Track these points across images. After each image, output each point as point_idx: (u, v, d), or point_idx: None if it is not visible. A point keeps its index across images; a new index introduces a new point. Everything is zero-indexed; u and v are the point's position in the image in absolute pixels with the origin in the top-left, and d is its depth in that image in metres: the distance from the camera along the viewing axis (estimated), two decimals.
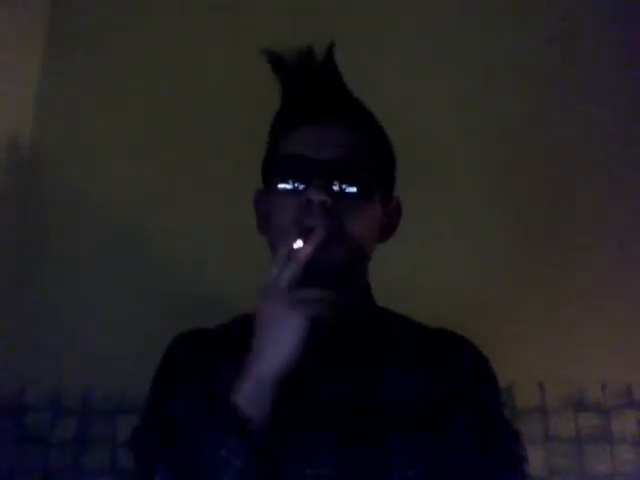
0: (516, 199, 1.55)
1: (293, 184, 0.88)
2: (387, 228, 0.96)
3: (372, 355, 0.89)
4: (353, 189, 0.87)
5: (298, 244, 0.82)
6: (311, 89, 0.94)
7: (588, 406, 1.43)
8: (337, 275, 0.86)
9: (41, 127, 1.74)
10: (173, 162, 1.66)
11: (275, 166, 0.92)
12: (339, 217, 0.86)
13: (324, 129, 0.91)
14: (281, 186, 0.89)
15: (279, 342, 0.80)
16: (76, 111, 1.74)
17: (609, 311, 1.45)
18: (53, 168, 1.71)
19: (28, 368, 1.55)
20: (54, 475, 1.48)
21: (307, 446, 0.83)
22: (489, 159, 1.58)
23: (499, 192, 1.56)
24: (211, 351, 0.92)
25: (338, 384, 0.86)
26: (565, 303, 1.48)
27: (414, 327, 0.95)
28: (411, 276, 1.47)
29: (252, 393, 0.80)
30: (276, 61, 0.94)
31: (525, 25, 1.66)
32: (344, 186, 0.87)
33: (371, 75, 1.47)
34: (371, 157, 0.92)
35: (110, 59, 1.76)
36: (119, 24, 1.78)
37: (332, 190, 0.86)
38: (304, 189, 0.87)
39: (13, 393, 1.55)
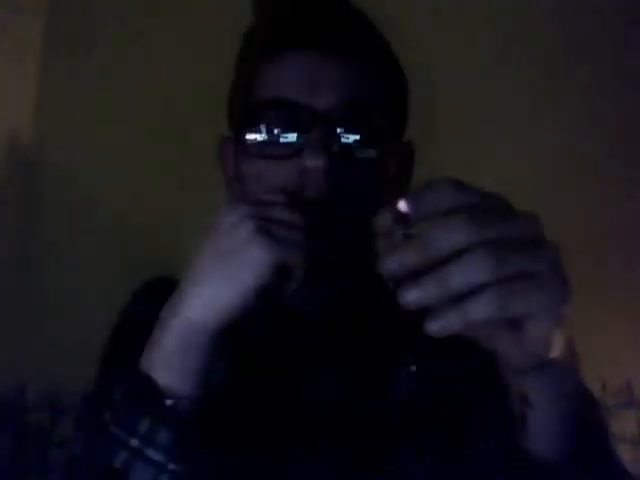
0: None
1: (279, 140, 0.64)
2: (403, 180, 0.73)
3: (384, 343, 0.69)
4: (362, 141, 0.64)
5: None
6: (299, 3, 0.69)
7: None
8: (352, 259, 0.62)
9: (41, 127, 1.74)
10: (174, 162, 1.65)
11: (252, 113, 0.67)
12: (346, 183, 0.62)
13: (320, 60, 0.64)
14: (262, 142, 0.65)
15: (223, 276, 0.55)
16: (76, 111, 1.74)
17: (609, 310, 1.45)
18: (53, 168, 1.71)
19: (28, 368, 1.55)
20: (54, 475, 1.48)
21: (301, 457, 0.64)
22: None
23: None
24: None
25: (338, 383, 0.67)
26: None
27: None
28: None
29: (172, 353, 0.55)
30: None
31: None
32: (350, 138, 0.63)
33: None
34: (383, 94, 0.67)
35: (110, 59, 1.76)
36: (119, 24, 1.77)
37: (335, 146, 0.62)
38: (296, 148, 0.63)
39: (13, 393, 1.55)
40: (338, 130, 0.62)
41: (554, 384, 0.48)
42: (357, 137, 0.63)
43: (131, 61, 1.74)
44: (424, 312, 0.46)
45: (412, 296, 0.41)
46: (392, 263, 0.42)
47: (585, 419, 0.52)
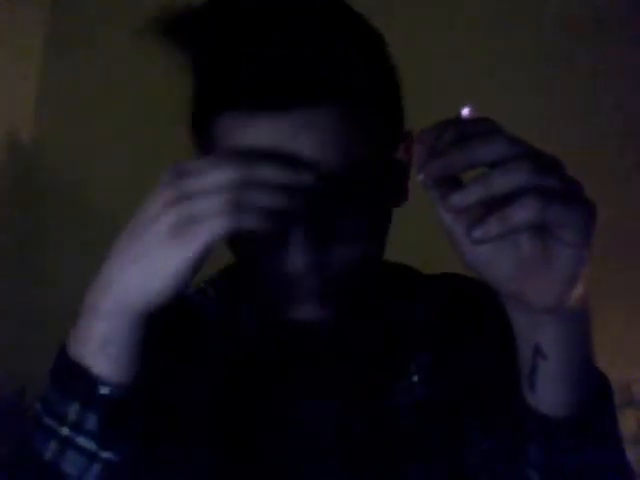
0: None
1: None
2: (402, 189, 0.59)
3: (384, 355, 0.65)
4: (354, 211, 0.53)
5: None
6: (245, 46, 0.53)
7: None
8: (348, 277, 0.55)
9: (41, 127, 1.74)
10: (173, 161, 1.66)
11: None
12: (340, 263, 0.53)
13: (287, 125, 0.52)
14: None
15: (155, 254, 0.50)
16: (76, 111, 1.74)
17: (609, 310, 1.45)
18: (53, 168, 1.71)
19: (28, 368, 1.55)
20: None
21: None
22: None
23: None
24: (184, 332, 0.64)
25: (336, 400, 0.63)
26: None
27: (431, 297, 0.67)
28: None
29: (106, 337, 0.50)
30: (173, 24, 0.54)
31: None
32: (339, 219, 0.52)
33: None
34: (373, 139, 0.53)
35: (110, 59, 1.76)
36: (119, 24, 1.78)
37: (322, 232, 0.52)
38: (278, 235, 0.52)
39: (13, 393, 1.55)
40: (321, 216, 0.51)
41: (568, 333, 0.47)
42: (346, 214, 0.52)
43: (131, 60, 1.74)
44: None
45: (456, 198, 0.42)
46: (436, 168, 0.42)
47: (592, 376, 0.51)
